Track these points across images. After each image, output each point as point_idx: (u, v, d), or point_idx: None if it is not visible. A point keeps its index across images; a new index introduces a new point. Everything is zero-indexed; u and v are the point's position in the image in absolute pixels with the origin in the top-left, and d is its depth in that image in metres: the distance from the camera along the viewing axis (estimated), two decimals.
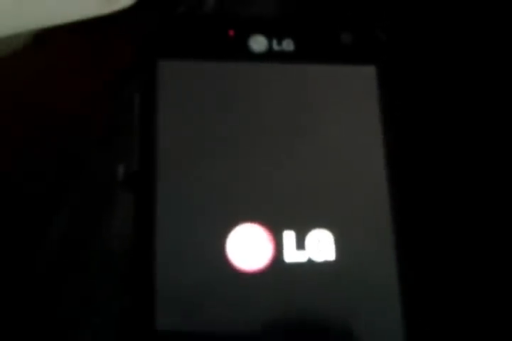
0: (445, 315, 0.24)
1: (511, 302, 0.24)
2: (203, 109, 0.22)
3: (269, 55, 0.23)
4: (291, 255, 0.22)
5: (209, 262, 0.21)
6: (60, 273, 0.22)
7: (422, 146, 0.26)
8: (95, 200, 0.22)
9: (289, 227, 0.22)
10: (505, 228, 0.25)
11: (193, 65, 0.22)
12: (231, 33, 0.23)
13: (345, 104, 0.24)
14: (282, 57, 0.23)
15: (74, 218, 0.22)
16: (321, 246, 0.22)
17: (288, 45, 0.23)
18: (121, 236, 0.21)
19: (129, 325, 0.20)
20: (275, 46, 0.23)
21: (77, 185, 0.22)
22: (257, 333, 0.20)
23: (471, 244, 0.25)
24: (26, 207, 0.22)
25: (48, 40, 0.24)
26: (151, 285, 0.20)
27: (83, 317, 0.22)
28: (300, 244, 0.22)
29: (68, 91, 0.23)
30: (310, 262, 0.22)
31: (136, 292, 0.20)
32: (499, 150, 0.27)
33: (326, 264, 0.22)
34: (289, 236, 0.22)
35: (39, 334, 0.21)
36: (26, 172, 0.23)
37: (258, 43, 0.23)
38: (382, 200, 0.23)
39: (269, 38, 0.23)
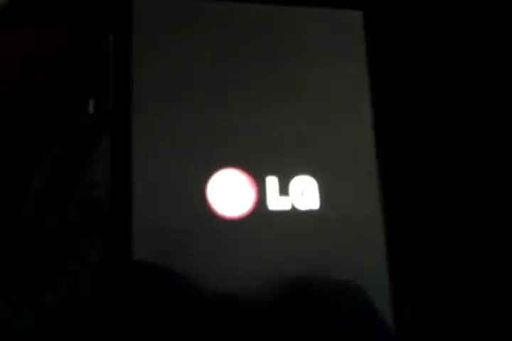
0: (429, 264, 0.24)
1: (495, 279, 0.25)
2: (180, 49, 0.21)
3: None
4: (274, 202, 0.21)
5: (188, 206, 0.20)
6: (40, 221, 0.22)
7: (409, 94, 0.26)
8: (76, 151, 0.22)
9: (272, 173, 0.21)
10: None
11: (170, 2, 0.21)
12: None
13: (332, 49, 0.23)
14: None
15: (55, 169, 0.22)
16: (304, 193, 0.21)
17: None
18: (101, 186, 0.21)
19: (107, 261, 0.20)
20: None
21: (59, 136, 0.22)
22: (236, 280, 0.20)
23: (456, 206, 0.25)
24: (9, 159, 0.22)
25: None
26: (129, 226, 0.19)
27: (60, 266, 0.21)
28: (283, 191, 0.21)
29: (41, 43, 0.23)
30: (293, 209, 0.21)
31: (114, 230, 0.19)
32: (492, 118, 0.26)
33: (309, 212, 0.21)
34: (271, 182, 0.21)
35: (16, 279, 0.21)
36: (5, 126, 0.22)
37: None
38: (369, 149, 0.23)
39: None
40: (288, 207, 0.21)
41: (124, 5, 0.21)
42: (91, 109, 0.20)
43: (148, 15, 0.21)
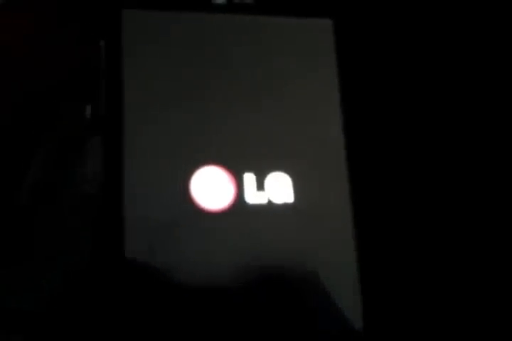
0: (397, 255, 0.25)
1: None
2: (166, 57, 0.23)
3: (229, 7, 0.24)
4: (252, 196, 0.23)
5: (174, 201, 0.22)
6: (34, 214, 0.23)
7: (377, 98, 0.27)
8: (68, 147, 0.23)
9: (249, 170, 0.23)
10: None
11: (156, 14, 0.23)
12: None
13: (303, 56, 0.25)
14: (242, 8, 0.24)
15: (48, 164, 0.23)
16: (279, 188, 0.23)
17: None
18: (92, 181, 0.22)
19: (99, 255, 0.21)
20: None
21: (51, 133, 0.23)
22: (217, 271, 0.22)
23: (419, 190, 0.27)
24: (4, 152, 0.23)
25: None
26: (120, 221, 0.21)
27: (54, 256, 0.23)
28: (260, 186, 0.23)
29: (37, 44, 0.24)
30: (269, 203, 0.23)
31: (105, 227, 0.21)
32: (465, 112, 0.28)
33: (284, 205, 0.23)
34: (249, 178, 0.23)
35: (13, 268, 0.23)
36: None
37: None
38: (338, 147, 0.24)
39: None
40: (264, 201, 0.23)
41: (114, 15, 0.22)
42: (88, 113, 0.21)
43: (137, 25, 0.23)
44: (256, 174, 0.23)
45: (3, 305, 0.23)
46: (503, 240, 0.26)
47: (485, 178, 0.27)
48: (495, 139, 0.27)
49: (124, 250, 0.21)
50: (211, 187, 0.22)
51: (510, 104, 0.28)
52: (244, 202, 0.23)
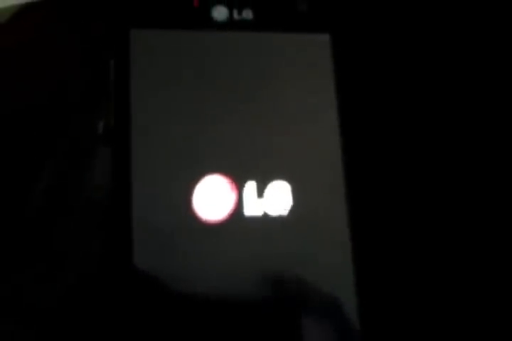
0: (394, 262, 0.26)
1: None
2: (171, 74, 0.24)
3: (230, 24, 0.25)
4: (253, 204, 0.24)
5: (176, 211, 0.23)
6: (46, 220, 0.24)
7: (375, 111, 0.28)
8: (78, 155, 0.24)
9: (251, 178, 0.24)
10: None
11: (162, 33, 0.24)
12: (195, 3, 0.25)
13: (302, 70, 0.26)
14: (242, 25, 0.25)
15: (59, 171, 0.24)
16: (279, 196, 0.24)
17: (247, 14, 0.26)
18: (101, 188, 0.24)
19: (108, 264, 0.22)
20: (236, 15, 0.25)
21: (62, 142, 0.24)
22: (216, 282, 0.23)
23: (418, 197, 0.27)
24: (15, 161, 0.24)
25: (24, 16, 0.25)
26: (128, 228, 0.22)
27: (67, 259, 0.24)
28: (260, 194, 0.24)
29: (47, 59, 0.25)
30: (269, 211, 0.24)
31: (114, 233, 0.22)
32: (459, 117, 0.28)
33: (284, 214, 0.24)
34: (250, 187, 0.24)
35: (26, 273, 0.24)
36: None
37: (220, 13, 0.25)
38: (336, 158, 0.25)
39: (230, 8, 0.25)
40: (264, 209, 0.24)
41: (122, 35, 0.24)
42: (100, 129, 0.23)
43: (143, 43, 0.24)
44: (257, 182, 0.24)
45: (16, 300, 0.24)
46: (499, 241, 0.26)
47: (482, 181, 0.27)
48: (492, 140, 0.28)
49: (132, 257, 0.22)
50: (213, 196, 0.24)
51: (509, 104, 0.28)
52: (244, 212, 0.24)
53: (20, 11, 0.26)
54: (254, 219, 0.24)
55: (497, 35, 0.29)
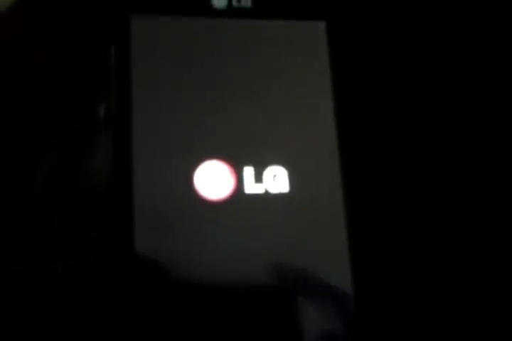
0: (388, 242, 0.26)
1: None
2: (171, 60, 0.25)
3: (229, 11, 0.26)
4: (251, 187, 0.25)
5: (179, 193, 0.24)
6: (47, 206, 0.25)
7: (370, 97, 0.28)
8: (79, 141, 0.25)
9: (249, 164, 0.25)
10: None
11: (161, 19, 0.25)
12: None
13: (298, 58, 0.26)
14: (241, 13, 0.26)
15: (60, 157, 0.25)
16: (276, 180, 0.25)
17: (246, 1, 0.26)
18: (102, 173, 0.24)
19: (109, 248, 0.23)
20: (235, 3, 0.26)
21: (63, 128, 0.25)
22: (219, 258, 0.23)
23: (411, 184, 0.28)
24: (16, 148, 0.25)
25: (25, 3, 0.26)
26: (130, 212, 0.23)
27: (68, 245, 0.24)
28: (258, 178, 0.25)
29: (48, 46, 0.25)
30: (266, 193, 0.25)
31: (115, 218, 0.23)
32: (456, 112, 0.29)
33: (280, 195, 0.25)
34: (248, 172, 0.25)
35: (27, 258, 0.24)
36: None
37: (219, 0, 0.26)
38: (331, 142, 0.26)
39: None
40: (262, 191, 0.25)
41: (123, 20, 0.24)
42: (101, 112, 0.23)
43: (144, 29, 0.24)
44: (255, 167, 0.25)
45: (17, 285, 0.24)
46: (493, 241, 0.27)
47: (480, 181, 0.28)
48: (489, 140, 0.28)
49: (133, 241, 0.22)
50: (214, 180, 0.24)
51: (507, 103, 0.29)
52: (243, 192, 0.24)
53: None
54: (253, 200, 0.24)
55: (494, 28, 0.29)
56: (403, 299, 0.26)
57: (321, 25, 0.27)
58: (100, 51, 0.24)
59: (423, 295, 0.26)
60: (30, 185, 0.25)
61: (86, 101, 0.24)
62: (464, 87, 0.29)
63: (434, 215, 0.27)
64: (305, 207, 0.25)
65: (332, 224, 0.25)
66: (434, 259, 0.26)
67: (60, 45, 0.25)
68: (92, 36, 0.25)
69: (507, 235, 0.27)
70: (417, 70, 0.29)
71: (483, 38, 0.29)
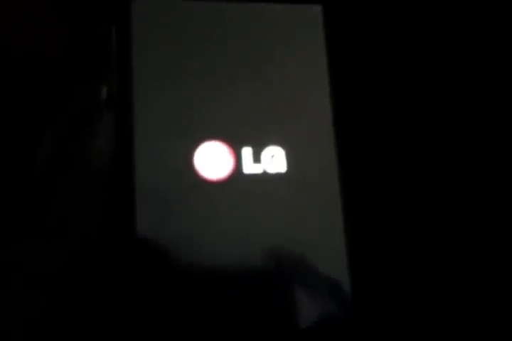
0: (383, 223, 0.27)
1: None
2: (171, 42, 0.25)
3: None
4: (249, 167, 0.25)
5: (179, 173, 0.24)
6: (48, 186, 0.25)
7: (365, 80, 0.28)
8: (81, 121, 0.25)
9: (247, 144, 0.25)
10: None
11: (162, 1, 0.25)
12: None
13: (294, 41, 0.27)
14: None
15: (61, 137, 0.25)
16: (274, 160, 0.25)
17: None
18: (104, 153, 0.24)
19: (111, 228, 0.23)
20: None
21: (66, 109, 0.25)
22: (218, 237, 0.24)
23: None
24: (19, 128, 0.25)
25: None
26: (131, 192, 0.23)
27: (70, 225, 0.25)
28: (256, 159, 0.25)
29: (49, 26, 0.26)
30: (265, 173, 0.25)
31: (117, 197, 0.23)
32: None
33: (278, 175, 0.25)
34: (247, 152, 0.25)
35: (30, 238, 0.24)
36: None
37: None
38: (328, 124, 0.26)
39: None
40: (260, 171, 0.25)
41: (123, 2, 0.24)
42: (104, 95, 0.23)
43: (146, 12, 0.25)
44: (253, 148, 0.25)
45: (20, 266, 0.24)
46: (490, 237, 0.27)
47: (478, 181, 0.28)
48: (487, 140, 0.29)
49: (135, 221, 0.23)
50: (213, 160, 0.25)
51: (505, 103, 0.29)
52: (242, 172, 0.25)
53: None
54: (251, 180, 0.25)
55: (493, 22, 0.30)
56: (399, 279, 0.26)
57: (317, 9, 0.27)
58: (102, 33, 0.24)
59: (418, 276, 0.26)
60: (32, 164, 0.25)
61: (88, 82, 0.25)
62: (463, 71, 0.29)
63: (425, 192, 0.27)
64: (302, 186, 0.25)
65: (328, 202, 0.26)
66: (430, 237, 0.27)
67: (62, 27, 0.25)
68: (93, 18, 0.25)
69: (505, 233, 0.27)
70: (413, 54, 0.29)
71: (483, 22, 0.30)
